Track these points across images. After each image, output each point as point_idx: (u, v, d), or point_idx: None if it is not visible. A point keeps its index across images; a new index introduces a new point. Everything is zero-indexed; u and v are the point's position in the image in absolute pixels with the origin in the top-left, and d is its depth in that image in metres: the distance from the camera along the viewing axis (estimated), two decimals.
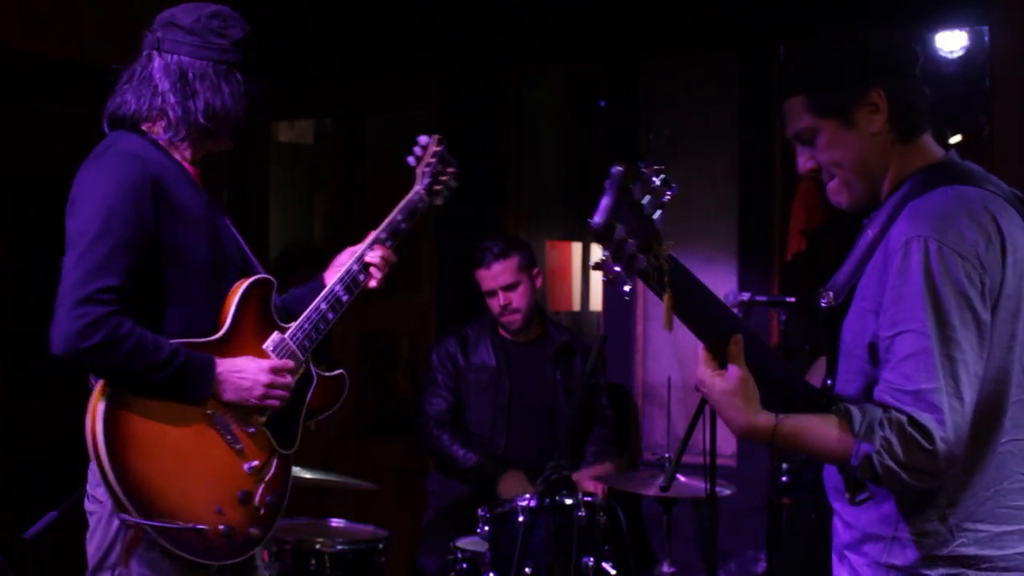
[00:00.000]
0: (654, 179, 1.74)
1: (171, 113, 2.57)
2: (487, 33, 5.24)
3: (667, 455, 4.01)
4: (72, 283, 2.38)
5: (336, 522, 4.01)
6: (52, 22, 4.73)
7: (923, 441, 1.77)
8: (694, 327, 1.92)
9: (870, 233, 1.97)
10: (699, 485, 3.62)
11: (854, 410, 1.84)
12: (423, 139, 3.07)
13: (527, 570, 3.42)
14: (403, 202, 2.98)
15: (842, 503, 1.98)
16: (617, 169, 1.70)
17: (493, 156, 5.25)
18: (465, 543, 3.74)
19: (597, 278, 5.71)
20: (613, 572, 3.59)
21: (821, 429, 1.85)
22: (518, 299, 4.18)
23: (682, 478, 3.79)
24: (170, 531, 2.39)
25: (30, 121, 4.68)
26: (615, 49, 4.98)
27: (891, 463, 1.78)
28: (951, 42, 4.46)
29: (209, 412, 2.51)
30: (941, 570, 1.86)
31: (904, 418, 1.78)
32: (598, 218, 1.69)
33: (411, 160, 3.05)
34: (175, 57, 2.58)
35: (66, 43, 4.68)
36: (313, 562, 3.61)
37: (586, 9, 4.96)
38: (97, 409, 2.40)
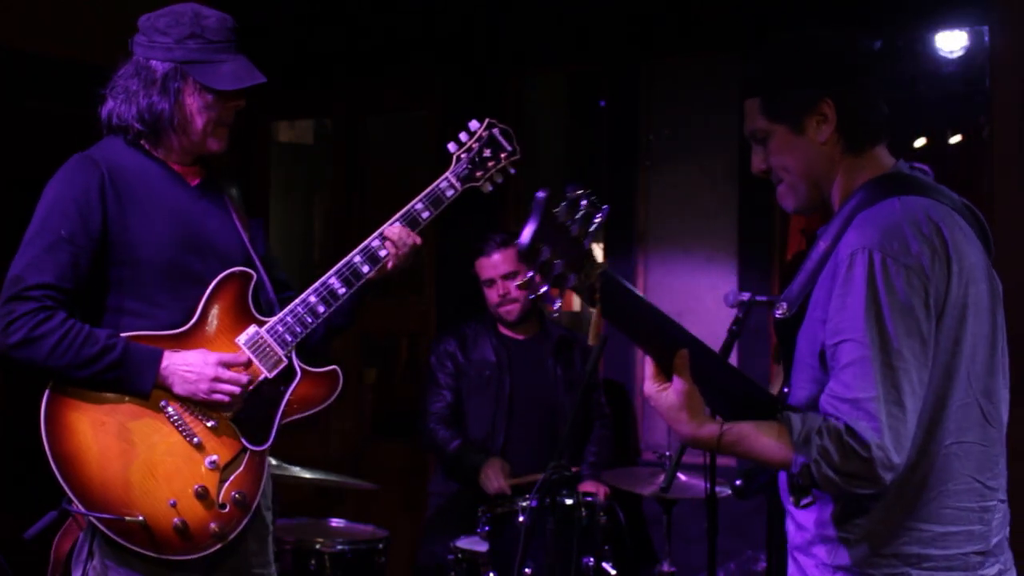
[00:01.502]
0: (582, 203, 1.84)
1: (114, 118, 2.59)
2: (487, 33, 5.24)
3: (667, 452, 4.01)
4: (6, 283, 2.44)
5: (336, 522, 4.01)
6: (52, 22, 4.73)
7: (859, 449, 1.79)
8: (638, 342, 1.99)
9: (822, 245, 2.00)
10: (699, 485, 3.62)
11: (794, 418, 1.87)
12: (473, 124, 2.92)
13: (527, 570, 3.42)
14: (428, 189, 2.83)
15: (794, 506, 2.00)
16: (541, 194, 1.80)
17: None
18: (465, 543, 3.74)
19: None
20: (613, 572, 3.60)
21: (762, 438, 1.89)
22: (516, 289, 4.18)
23: (682, 477, 3.80)
24: (111, 522, 2.39)
25: (30, 121, 4.68)
26: (615, 49, 4.98)
27: (828, 471, 1.81)
28: (951, 42, 4.46)
29: (162, 404, 2.51)
30: (885, 569, 1.88)
31: (841, 426, 1.81)
32: (523, 240, 1.79)
33: (451, 146, 2.88)
34: (135, 58, 2.60)
35: (66, 43, 4.68)
36: (313, 562, 3.61)
37: (586, 9, 4.96)
38: (42, 399, 2.43)
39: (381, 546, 3.73)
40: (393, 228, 2.73)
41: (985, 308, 1.94)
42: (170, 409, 2.51)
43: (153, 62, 2.56)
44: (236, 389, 2.55)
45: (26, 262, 2.43)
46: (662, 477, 3.73)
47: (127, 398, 2.48)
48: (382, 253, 2.72)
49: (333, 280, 2.69)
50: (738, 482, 2.06)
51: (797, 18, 4.46)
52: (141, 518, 2.41)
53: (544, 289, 1.83)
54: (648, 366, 1.97)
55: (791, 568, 2.03)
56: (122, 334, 2.49)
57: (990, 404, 1.93)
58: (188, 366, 2.51)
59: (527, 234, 1.79)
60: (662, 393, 1.94)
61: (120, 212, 2.50)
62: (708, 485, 3.49)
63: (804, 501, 1.90)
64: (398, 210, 2.81)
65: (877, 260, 1.84)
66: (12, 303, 2.41)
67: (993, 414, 1.94)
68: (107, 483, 2.42)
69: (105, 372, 2.43)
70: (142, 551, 2.42)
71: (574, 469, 4.09)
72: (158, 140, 2.61)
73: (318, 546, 3.64)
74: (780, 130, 2.05)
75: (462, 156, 2.88)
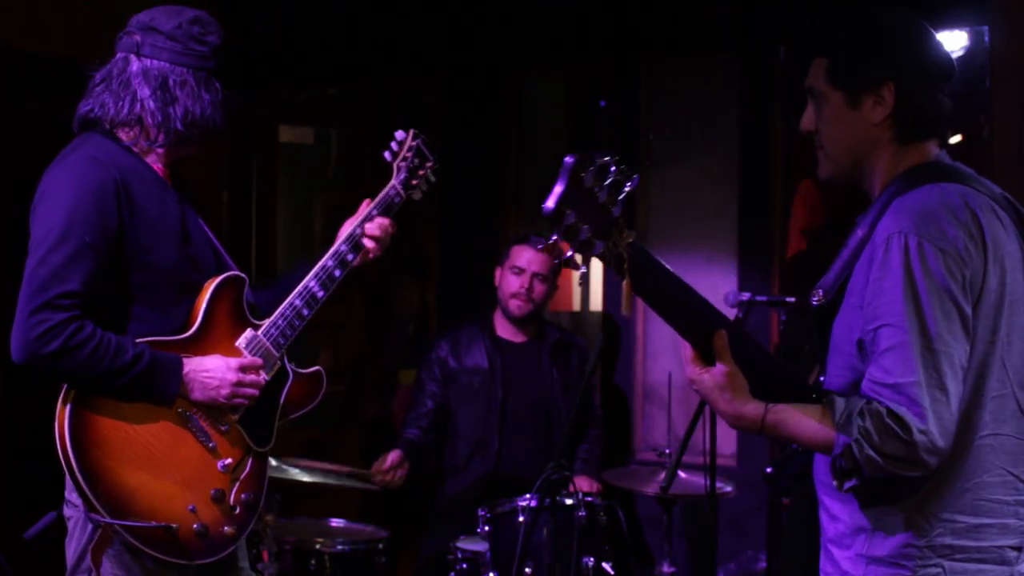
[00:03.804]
0: (611, 169, 1.82)
1: (149, 119, 2.57)
2: (487, 33, 5.24)
3: (667, 450, 4.01)
4: (31, 290, 2.39)
5: (336, 522, 4.01)
6: (52, 22, 4.73)
7: (900, 432, 1.79)
8: (669, 320, 1.98)
9: (859, 232, 2.00)
10: (699, 484, 3.62)
11: (837, 400, 1.88)
12: (399, 134, 3.07)
13: (527, 570, 3.42)
14: (379, 196, 2.97)
15: (829, 496, 2.01)
16: (570, 158, 1.79)
17: (493, 156, 5.25)
18: (465, 543, 3.74)
19: (597, 277, 5.70)
20: (613, 572, 3.59)
21: (805, 419, 1.91)
22: (539, 292, 4.18)
23: (683, 475, 3.80)
24: (141, 530, 2.39)
25: (30, 121, 4.68)
26: (615, 49, 4.98)
27: (870, 452, 1.81)
28: (951, 42, 4.45)
29: (180, 411, 2.52)
30: (918, 561, 1.88)
31: (883, 409, 1.81)
32: (549, 203, 1.78)
33: (387, 155, 3.04)
34: (155, 62, 2.58)
35: (66, 43, 4.68)
36: (313, 562, 3.61)
37: (586, 9, 4.96)
38: (64, 411, 2.40)
39: (381, 546, 3.73)
40: (372, 223, 2.88)
41: (1021, 299, 1.94)
42: (187, 415, 2.53)
43: (190, 71, 2.58)
44: (255, 392, 2.60)
45: (52, 269, 2.39)
46: (662, 476, 3.73)
47: (146, 406, 2.47)
48: (350, 257, 2.85)
49: (313, 284, 2.78)
50: (768, 469, 2.06)
51: (797, 18, 4.46)
52: (176, 525, 2.43)
53: (569, 254, 1.81)
54: (686, 348, 1.98)
55: (823, 561, 2.03)
56: (137, 341, 2.49)
57: None
58: (209, 372, 2.53)
59: (553, 198, 1.77)
60: (704, 375, 1.95)
61: (131, 216, 2.50)
62: (708, 485, 3.49)
63: (848, 484, 1.90)
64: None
65: (913, 244, 1.84)
66: (44, 311, 2.37)
67: None
68: (132, 492, 2.42)
69: (136, 380, 2.43)
70: (169, 558, 2.43)
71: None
72: (179, 144, 2.62)
73: (318, 546, 3.64)
74: (837, 98, 2.04)
75: (400, 165, 3.04)
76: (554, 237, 1.81)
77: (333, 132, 6.15)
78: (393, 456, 3.90)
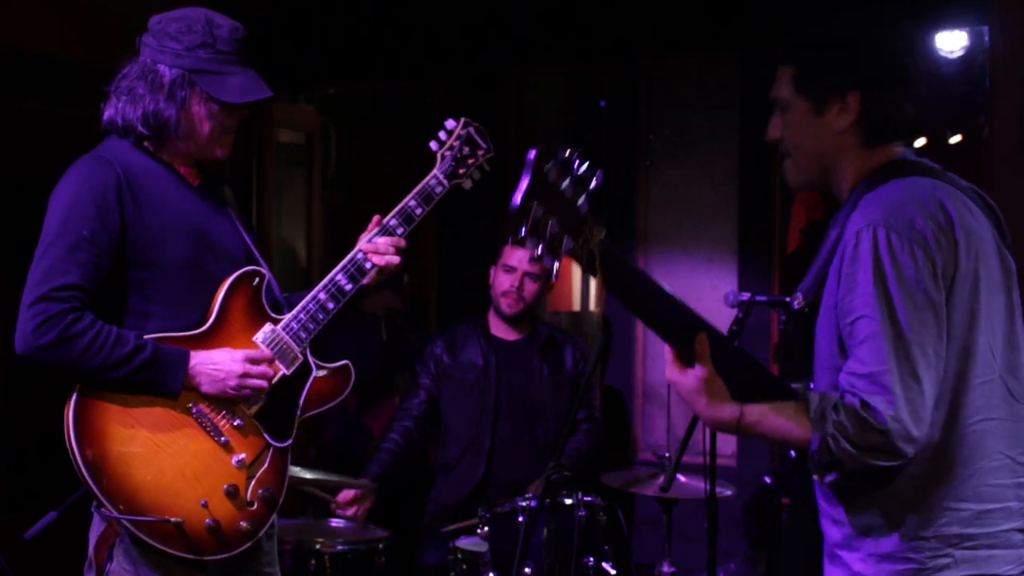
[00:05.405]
0: (574, 163, 1.81)
1: (119, 119, 2.57)
2: (487, 34, 5.24)
3: (667, 454, 4.01)
4: (31, 283, 2.41)
5: (336, 522, 4.01)
6: (52, 22, 4.73)
7: (874, 422, 1.80)
8: (645, 321, 1.99)
9: (832, 233, 2.02)
10: (699, 485, 3.62)
11: (812, 396, 1.89)
12: (449, 123, 2.98)
13: (527, 570, 3.41)
14: (418, 186, 2.86)
15: (832, 502, 2.01)
16: (532, 152, 1.77)
17: (493, 156, 5.24)
18: (465, 543, 3.74)
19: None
20: (613, 572, 3.59)
21: (780, 417, 1.91)
22: (530, 291, 4.17)
23: (682, 478, 3.80)
24: (147, 525, 2.39)
25: (30, 121, 4.69)
26: (615, 49, 4.99)
27: (846, 445, 1.82)
28: (951, 42, 4.46)
29: (188, 405, 2.51)
30: (927, 552, 1.89)
31: (857, 401, 1.82)
32: (515, 199, 1.75)
33: (433, 145, 2.94)
34: (141, 59, 2.57)
35: (66, 43, 4.68)
36: (313, 562, 3.61)
37: (586, 9, 4.97)
38: (70, 405, 2.40)
39: (381, 546, 3.73)
40: (374, 242, 2.75)
41: (998, 283, 1.95)
42: (197, 410, 2.52)
43: (161, 67, 2.54)
44: (264, 383, 2.57)
45: (50, 263, 2.41)
46: (662, 478, 3.73)
47: (155, 401, 2.47)
48: (375, 257, 2.75)
49: (340, 276, 2.71)
50: (767, 479, 2.06)
51: (797, 18, 4.46)
52: (179, 520, 2.42)
53: (541, 249, 1.79)
54: (668, 353, 1.98)
55: (831, 568, 2.02)
56: (144, 336, 2.48)
57: (1015, 380, 1.94)
58: (215, 364, 2.51)
59: (519, 193, 1.75)
60: (682, 378, 1.96)
61: (137, 212, 2.49)
62: (708, 485, 3.49)
63: (828, 479, 1.91)
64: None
65: (881, 236, 1.86)
66: (41, 304, 2.37)
67: (1019, 390, 1.95)
68: (139, 487, 2.42)
69: (136, 373, 2.42)
70: (178, 553, 2.42)
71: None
72: (162, 144, 2.60)
73: (318, 546, 3.64)
74: (802, 105, 2.05)
75: (446, 154, 2.94)
76: (523, 231, 1.78)
77: (333, 132, 6.15)
78: (354, 492, 3.84)
